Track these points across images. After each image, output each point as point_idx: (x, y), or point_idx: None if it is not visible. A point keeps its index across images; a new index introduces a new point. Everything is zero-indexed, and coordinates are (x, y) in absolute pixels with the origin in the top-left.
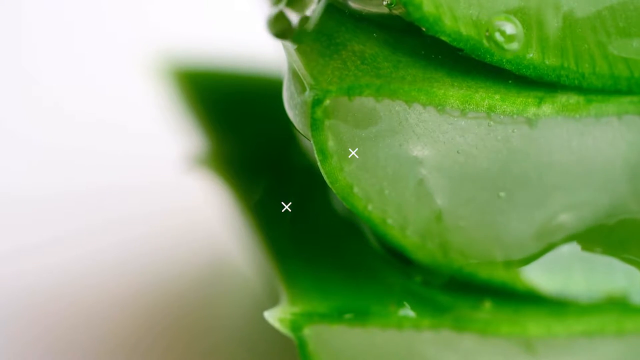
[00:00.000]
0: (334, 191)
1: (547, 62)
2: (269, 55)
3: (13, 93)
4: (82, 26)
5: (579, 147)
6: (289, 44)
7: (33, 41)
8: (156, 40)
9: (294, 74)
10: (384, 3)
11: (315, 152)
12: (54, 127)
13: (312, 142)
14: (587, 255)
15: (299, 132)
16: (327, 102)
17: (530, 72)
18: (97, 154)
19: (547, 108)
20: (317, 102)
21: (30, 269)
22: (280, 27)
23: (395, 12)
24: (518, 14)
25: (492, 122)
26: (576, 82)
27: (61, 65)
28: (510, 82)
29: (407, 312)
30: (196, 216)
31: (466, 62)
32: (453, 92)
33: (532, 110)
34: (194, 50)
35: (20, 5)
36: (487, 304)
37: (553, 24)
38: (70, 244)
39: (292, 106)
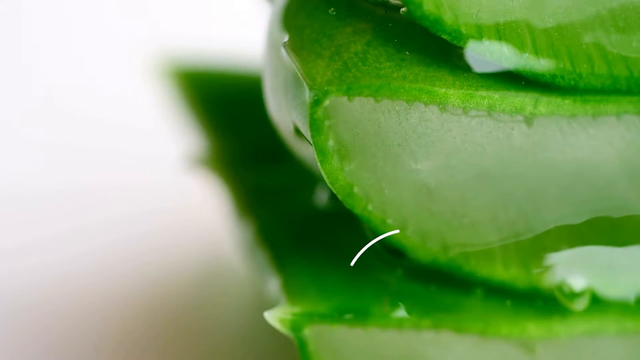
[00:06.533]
0: (334, 191)
1: (541, 63)
2: None
3: (14, 91)
4: (83, 26)
5: (576, 146)
6: (288, 45)
7: (34, 41)
8: (157, 40)
9: (294, 75)
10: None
11: (315, 152)
12: (54, 126)
13: (311, 142)
14: (587, 254)
15: (296, 135)
16: (327, 102)
17: (526, 72)
18: (96, 153)
19: (542, 107)
20: (316, 103)
21: (28, 268)
22: None
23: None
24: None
25: (493, 121)
26: (572, 82)
27: (61, 64)
28: (509, 81)
29: (402, 311)
30: (195, 216)
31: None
32: (454, 91)
33: (529, 110)
34: (194, 50)
35: (21, 4)
36: (479, 291)
37: (547, 25)
38: (69, 243)
39: (292, 107)
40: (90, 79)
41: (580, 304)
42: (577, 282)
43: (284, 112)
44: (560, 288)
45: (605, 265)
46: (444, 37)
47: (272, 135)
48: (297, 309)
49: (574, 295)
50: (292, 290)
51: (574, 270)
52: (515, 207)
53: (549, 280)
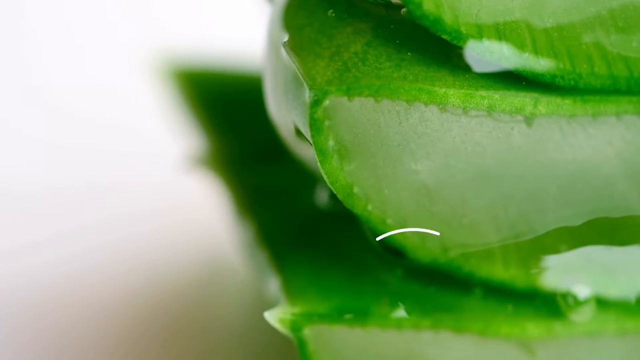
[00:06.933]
0: (334, 191)
1: (541, 63)
2: None
3: (14, 91)
4: (83, 26)
5: (576, 146)
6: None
7: (34, 41)
8: (157, 40)
9: (294, 75)
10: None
11: (315, 152)
12: (54, 125)
13: (311, 142)
14: (587, 254)
15: (295, 136)
16: (327, 102)
17: (526, 72)
18: (96, 152)
19: (542, 107)
20: (316, 103)
21: (28, 268)
22: None
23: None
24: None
25: (493, 121)
26: (572, 82)
27: (61, 64)
28: (509, 81)
29: (402, 311)
30: (195, 216)
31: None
32: (454, 91)
33: (529, 110)
34: (194, 50)
35: (22, 3)
36: (478, 291)
37: (547, 25)
38: (69, 243)
39: (292, 107)
40: (90, 79)
41: (583, 316)
42: (581, 291)
43: (284, 112)
44: (564, 297)
45: (605, 265)
46: (444, 37)
47: (272, 135)
48: (296, 309)
49: (577, 304)
50: (291, 290)
51: (575, 274)
52: (515, 207)
53: (549, 280)
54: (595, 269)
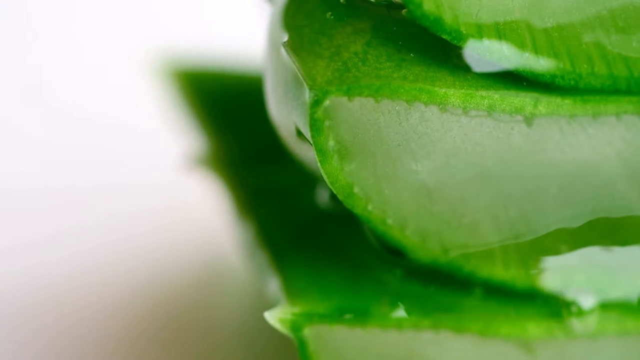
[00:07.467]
0: (334, 191)
1: (541, 63)
2: None
3: (14, 91)
4: (83, 25)
5: (576, 146)
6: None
7: (36, 40)
8: (157, 40)
9: (294, 75)
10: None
11: (315, 152)
12: (54, 125)
13: (311, 142)
14: (587, 254)
15: (294, 136)
16: (327, 102)
17: (526, 72)
18: (96, 152)
19: (542, 107)
20: (316, 103)
21: (28, 267)
22: None
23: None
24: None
25: (493, 121)
26: (572, 82)
27: (62, 64)
28: (509, 81)
29: (402, 311)
30: (195, 216)
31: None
32: (454, 91)
33: (529, 110)
34: (194, 50)
35: (23, 3)
36: (478, 291)
37: (547, 25)
38: (69, 243)
39: (293, 107)
40: (90, 79)
41: (587, 325)
42: (586, 301)
43: (284, 113)
44: (567, 306)
45: (605, 265)
46: (444, 36)
47: (272, 135)
48: (297, 309)
49: (581, 314)
50: (292, 290)
51: (575, 275)
52: (515, 207)
53: (549, 281)
54: (596, 269)
